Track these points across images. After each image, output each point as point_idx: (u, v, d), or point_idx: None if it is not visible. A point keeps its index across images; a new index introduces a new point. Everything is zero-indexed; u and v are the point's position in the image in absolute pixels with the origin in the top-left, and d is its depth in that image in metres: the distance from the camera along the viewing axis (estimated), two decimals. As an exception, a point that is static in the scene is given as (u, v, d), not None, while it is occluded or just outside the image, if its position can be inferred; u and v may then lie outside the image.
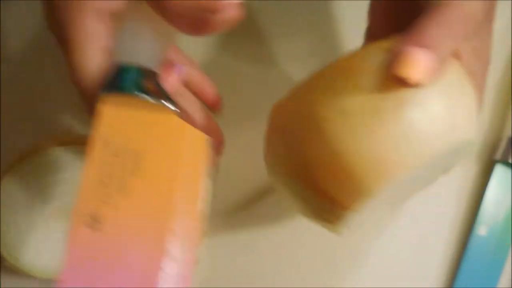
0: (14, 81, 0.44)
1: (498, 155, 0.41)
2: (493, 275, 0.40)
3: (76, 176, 0.40)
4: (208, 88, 0.38)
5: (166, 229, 0.25)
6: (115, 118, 0.27)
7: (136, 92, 0.27)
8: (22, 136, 0.42)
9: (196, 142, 0.28)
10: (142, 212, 0.25)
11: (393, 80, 0.28)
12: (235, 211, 0.41)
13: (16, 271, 0.39)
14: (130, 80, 0.27)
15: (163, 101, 0.28)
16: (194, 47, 0.40)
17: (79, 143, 0.40)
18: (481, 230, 0.40)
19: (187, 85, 0.37)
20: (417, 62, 0.28)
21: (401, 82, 0.28)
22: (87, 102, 0.28)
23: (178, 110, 0.28)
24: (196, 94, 0.37)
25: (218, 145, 0.37)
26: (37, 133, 0.42)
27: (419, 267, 0.41)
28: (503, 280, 0.40)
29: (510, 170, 0.41)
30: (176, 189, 0.26)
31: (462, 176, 0.42)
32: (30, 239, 0.39)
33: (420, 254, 0.41)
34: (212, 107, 0.38)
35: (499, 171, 0.41)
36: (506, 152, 0.41)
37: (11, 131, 0.43)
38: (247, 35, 0.44)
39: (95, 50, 0.28)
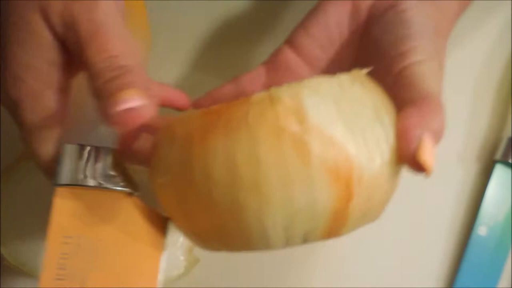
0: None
1: (498, 155, 0.41)
2: (493, 275, 0.40)
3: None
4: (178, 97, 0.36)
5: None
6: (71, 209, 0.27)
7: (85, 181, 0.28)
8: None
9: (153, 222, 0.28)
10: None
11: None
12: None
13: (16, 271, 0.39)
14: (79, 168, 0.28)
15: (115, 185, 0.28)
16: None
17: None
18: (481, 230, 0.40)
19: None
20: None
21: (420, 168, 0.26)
22: (48, 175, 0.30)
23: (133, 191, 0.28)
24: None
25: (184, 105, 0.36)
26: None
27: (419, 267, 0.41)
28: (503, 280, 0.40)
29: (510, 170, 0.41)
30: (133, 275, 0.27)
31: (462, 176, 0.42)
32: (30, 239, 0.39)
33: (420, 254, 0.41)
34: (180, 107, 0.37)
35: (499, 171, 0.41)
36: (506, 152, 0.41)
37: (11, 131, 0.43)
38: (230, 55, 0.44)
39: (49, 141, 0.30)
